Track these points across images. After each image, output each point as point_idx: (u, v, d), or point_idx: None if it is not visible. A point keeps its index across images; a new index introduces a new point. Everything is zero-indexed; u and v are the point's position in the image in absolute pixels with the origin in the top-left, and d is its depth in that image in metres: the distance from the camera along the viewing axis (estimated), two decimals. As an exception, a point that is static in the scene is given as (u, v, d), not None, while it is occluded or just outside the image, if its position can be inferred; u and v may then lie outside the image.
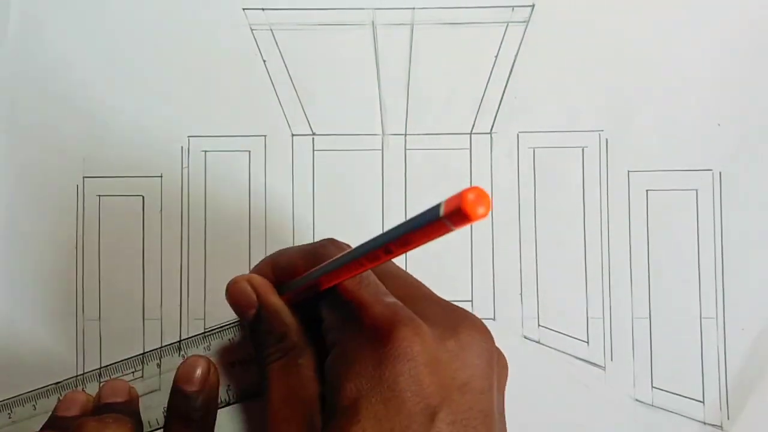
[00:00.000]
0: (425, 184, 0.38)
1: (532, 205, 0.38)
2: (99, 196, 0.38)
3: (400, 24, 0.39)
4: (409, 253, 0.38)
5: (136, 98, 0.39)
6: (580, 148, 0.38)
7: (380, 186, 0.38)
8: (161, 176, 0.38)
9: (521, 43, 0.38)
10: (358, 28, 0.39)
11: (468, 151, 0.38)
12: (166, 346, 0.35)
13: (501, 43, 0.38)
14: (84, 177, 0.38)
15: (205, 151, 0.39)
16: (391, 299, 0.28)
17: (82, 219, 0.38)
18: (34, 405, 0.35)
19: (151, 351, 0.35)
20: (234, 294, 0.32)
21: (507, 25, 0.39)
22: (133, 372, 0.36)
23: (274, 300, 0.31)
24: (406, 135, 0.38)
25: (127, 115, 0.39)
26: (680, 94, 0.38)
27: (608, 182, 0.38)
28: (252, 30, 0.39)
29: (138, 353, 0.36)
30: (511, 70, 0.38)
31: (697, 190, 0.38)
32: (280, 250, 0.33)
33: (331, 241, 0.32)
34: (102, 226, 0.38)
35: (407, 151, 0.38)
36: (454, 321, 0.28)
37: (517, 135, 0.38)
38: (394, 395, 0.25)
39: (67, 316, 0.38)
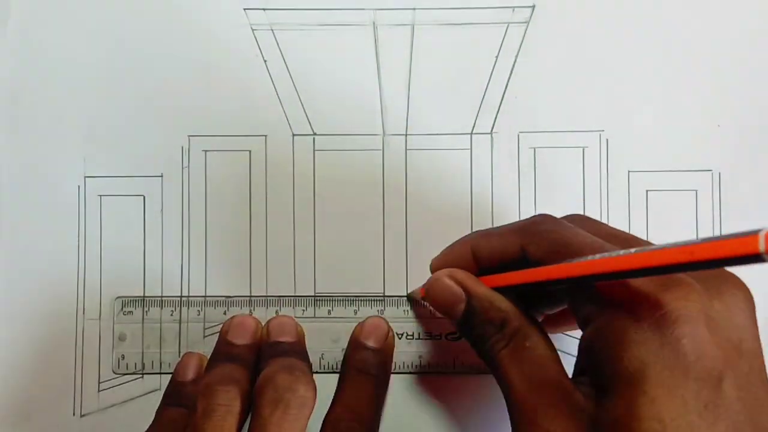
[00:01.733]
0: (426, 184, 0.38)
1: (533, 205, 0.38)
2: (100, 195, 0.38)
3: (400, 24, 0.39)
4: (410, 251, 0.38)
5: (136, 98, 0.39)
6: (581, 149, 0.38)
7: (380, 186, 0.38)
8: (162, 176, 0.38)
9: (522, 43, 0.38)
10: (359, 28, 0.39)
11: (468, 151, 0.38)
12: (337, 295, 0.37)
13: (501, 43, 0.38)
14: (85, 177, 0.38)
15: (206, 151, 0.39)
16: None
17: (84, 219, 0.38)
18: (198, 310, 0.37)
19: (321, 296, 0.37)
20: (437, 293, 0.31)
21: (508, 26, 0.39)
22: (303, 310, 0.37)
23: (483, 290, 0.29)
24: (406, 135, 0.38)
25: (127, 114, 0.39)
26: (680, 95, 0.38)
27: (608, 182, 0.38)
28: (253, 30, 0.39)
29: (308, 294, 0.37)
30: (512, 71, 0.38)
31: (697, 191, 0.38)
32: (478, 232, 0.32)
33: (545, 217, 0.30)
34: (103, 226, 0.38)
35: (408, 151, 0.38)
36: (716, 280, 0.26)
37: (518, 135, 0.38)
38: (678, 361, 0.23)
39: (67, 316, 0.38)
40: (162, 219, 0.38)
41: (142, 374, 0.37)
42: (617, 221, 0.38)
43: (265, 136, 0.39)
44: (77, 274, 0.38)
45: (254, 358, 0.35)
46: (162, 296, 0.38)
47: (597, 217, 0.38)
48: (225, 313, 0.37)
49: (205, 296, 0.37)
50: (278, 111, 0.39)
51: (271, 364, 0.32)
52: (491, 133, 0.38)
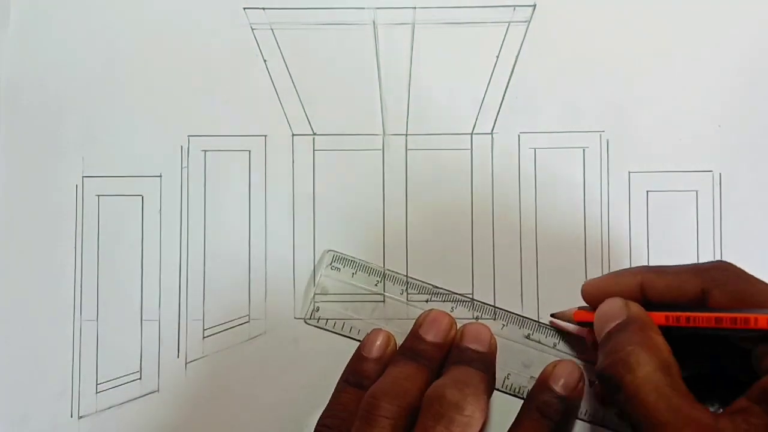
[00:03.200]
0: (426, 184, 0.38)
1: (533, 205, 0.38)
2: (98, 195, 0.38)
3: (401, 23, 0.39)
4: (411, 254, 0.38)
5: (135, 97, 0.38)
6: (581, 149, 0.38)
7: (381, 186, 0.38)
8: (161, 176, 0.38)
9: (523, 43, 0.38)
10: (359, 27, 0.39)
11: (469, 151, 0.38)
12: (528, 319, 0.37)
13: (502, 43, 0.38)
14: (83, 177, 0.38)
15: (205, 151, 0.38)
16: None
17: (81, 219, 0.38)
18: (402, 290, 0.37)
19: (525, 319, 0.37)
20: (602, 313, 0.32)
21: (508, 25, 0.38)
22: (504, 325, 0.37)
23: (654, 335, 0.30)
24: (407, 135, 0.38)
25: (126, 114, 0.38)
26: (681, 96, 0.38)
27: (609, 183, 0.38)
28: (252, 29, 0.39)
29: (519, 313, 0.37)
30: (513, 70, 0.38)
31: (697, 192, 0.38)
32: (647, 267, 0.33)
33: (728, 264, 0.31)
34: (101, 226, 0.38)
35: (408, 151, 0.38)
36: None
37: (518, 135, 0.38)
38: None
39: (64, 317, 0.38)
40: (160, 219, 0.38)
41: (330, 330, 0.37)
42: (617, 222, 0.38)
43: (265, 136, 0.38)
44: (74, 275, 0.38)
45: (440, 358, 0.35)
46: (370, 263, 0.37)
47: (597, 217, 0.38)
48: (427, 302, 0.37)
49: (411, 278, 0.37)
50: (278, 111, 0.38)
51: (448, 373, 0.32)
52: (492, 133, 0.38)
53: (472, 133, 0.38)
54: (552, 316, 0.37)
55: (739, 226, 0.38)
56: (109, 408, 0.37)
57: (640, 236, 0.38)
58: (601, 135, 0.38)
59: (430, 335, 0.35)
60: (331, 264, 0.37)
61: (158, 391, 0.37)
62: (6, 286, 0.38)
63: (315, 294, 0.37)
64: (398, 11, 0.39)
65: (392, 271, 0.37)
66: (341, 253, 0.38)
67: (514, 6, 0.38)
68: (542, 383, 0.34)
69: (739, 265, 0.31)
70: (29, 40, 0.39)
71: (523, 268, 0.38)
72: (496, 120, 0.38)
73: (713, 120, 0.38)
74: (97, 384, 0.38)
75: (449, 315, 0.36)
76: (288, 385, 0.37)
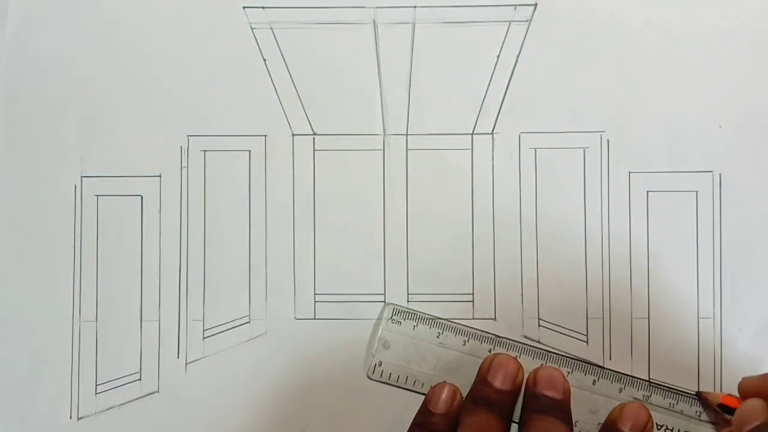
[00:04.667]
0: (426, 184, 0.38)
1: (534, 205, 0.38)
2: (97, 195, 0.38)
3: (401, 23, 0.38)
4: (411, 253, 0.38)
5: (134, 97, 0.38)
6: (582, 149, 0.38)
7: (381, 186, 0.38)
8: (160, 176, 0.38)
9: (523, 42, 0.38)
10: (359, 26, 0.38)
11: (469, 151, 0.38)
12: (609, 370, 0.37)
13: (503, 42, 0.38)
14: (82, 177, 0.38)
15: (205, 151, 0.38)
16: None
17: (80, 219, 0.38)
18: (464, 340, 0.37)
19: (590, 365, 0.37)
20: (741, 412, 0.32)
21: (509, 25, 0.38)
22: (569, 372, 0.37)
23: None
24: (407, 135, 0.38)
25: (125, 114, 0.38)
26: (681, 96, 0.38)
27: (609, 183, 0.38)
28: (252, 29, 0.38)
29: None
30: (513, 70, 0.38)
31: (697, 192, 0.38)
32: None
33: None
34: (100, 227, 0.38)
35: (408, 151, 0.38)
36: None
37: (519, 135, 0.38)
38: None
39: (63, 318, 0.38)
40: (160, 219, 0.38)
41: (394, 385, 0.37)
42: (618, 222, 0.38)
43: (265, 136, 0.38)
44: (73, 276, 0.38)
45: (512, 406, 0.35)
46: (431, 316, 0.37)
47: (597, 217, 0.38)
48: (490, 351, 0.37)
49: (472, 328, 0.37)
50: (278, 110, 0.38)
51: (532, 426, 0.33)
52: (492, 133, 0.38)
53: (472, 133, 0.38)
54: (699, 393, 0.37)
55: (739, 226, 0.38)
56: (108, 409, 0.37)
57: (640, 236, 0.38)
58: (601, 135, 0.38)
59: (498, 381, 0.35)
60: (391, 318, 0.37)
61: (158, 391, 0.37)
62: (5, 287, 0.38)
63: (376, 349, 0.37)
64: (398, 10, 0.38)
65: (452, 321, 0.37)
66: (402, 306, 0.37)
67: (515, 5, 0.38)
68: (610, 426, 0.35)
69: (738, 264, 0.31)
70: (27, 39, 0.38)
71: (523, 268, 0.38)
72: (496, 120, 0.38)
73: (713, 120, 0.38)
74: (96, 385, 0.37)
75: (514, 359, 0.36)
76: (288, 385, 0.37)
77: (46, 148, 0.38)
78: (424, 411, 0.35)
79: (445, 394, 0.35)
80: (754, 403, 0.32)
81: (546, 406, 0.34)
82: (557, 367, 0.36)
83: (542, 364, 0.36)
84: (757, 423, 0.31)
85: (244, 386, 0.37)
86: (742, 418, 0.32)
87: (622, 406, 0.35)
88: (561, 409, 0.34)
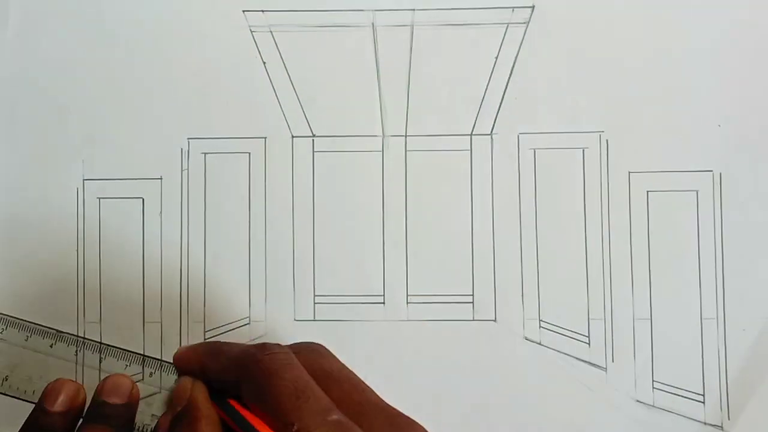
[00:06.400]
0: (426, 185, 0.38)
1: (533, 206, 0.38)
2: (99, 198, 0.38)
3: (400, 25, 0.39)
4: (411, 255, 0.38)
5: (135, 100, 0.39)
6: (581, 149, 0.38)
7: (380, 187, 0.38)
8: (161, 178, 0.38)
9: (521, 44, 0.38)
10: (358, 29, 0.39)
11: (468, 152, 0.38)
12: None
13: (501, 44, 0.38)
14: (84, 179, 0.38)
15: (205, 153, 0.38)
16: (335, 416, 0.26)
17: (83, 221, 0.38)
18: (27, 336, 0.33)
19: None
20: (176, 391, 0.31)
21: (507, 26, 0.38)
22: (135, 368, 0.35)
23: (203, 427, 0.29)
24: (406, 136, 0.38)
25: (126, 117, 0.39)
26: (681, 96, 0.38)
27: (609, 183, 0.38)
28: (252, 32, 0.39)
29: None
30: (512, 71, 0.38)
31: (697, 191, 0.38)
32: (212, 347, 0.31)
33: (258, 358, 0.29)
34: (102, 229, 0.38)
35: (408, 152, 0.38)
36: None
37: (518, 136, 0.38)
38: None
39: (67, 319, 0.38)
40: (161, 221, 0.38)
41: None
42: (618, 222, 0.38)
43: (265, 138, 0.38)
44: (77, 277, 0.38)
45: (68, 426, 0.32)
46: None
47: (598, 218, 0.38)
48: (51, 346, 0.33)
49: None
50: (277, 113, 0.39)
51: None
52: (491, 134, 0.38)
53: (471, 134, 0.38)
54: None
55: (739, 226, 0.38)
56: (111, 409, 0.37)
57: (640, 236, 0.38)
58: (600, 135, 0.38)
59: (49, 404, 0.32)
60: None
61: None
62: (9, 290, 0.38)
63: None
64: (397, 13, 0.39)
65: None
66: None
67: (513, 7, 0.38)
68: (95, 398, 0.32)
69: (739, 264, 0.31)
70: (28, 42, 0.39)
71: (523, 268, 0.38)
72: (495, 121, 0.38)
73: (713, 120, 0.38)
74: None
75: (70, 381, 0.32)
76: (289, 386, 0.37)
77: (48, 151, 0.38)
78: (41, 410, 0.32)
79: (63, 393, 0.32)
80: (186, 382, 0.31)
81: (103, 414, 0.32)
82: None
83: (101, 359, 0.34)
84: (183, 405, 0.30)
85: (244, 387, 0.37)
86: (176, 399, 0.31)
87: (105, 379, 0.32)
88: (123, 417, 0.32)
